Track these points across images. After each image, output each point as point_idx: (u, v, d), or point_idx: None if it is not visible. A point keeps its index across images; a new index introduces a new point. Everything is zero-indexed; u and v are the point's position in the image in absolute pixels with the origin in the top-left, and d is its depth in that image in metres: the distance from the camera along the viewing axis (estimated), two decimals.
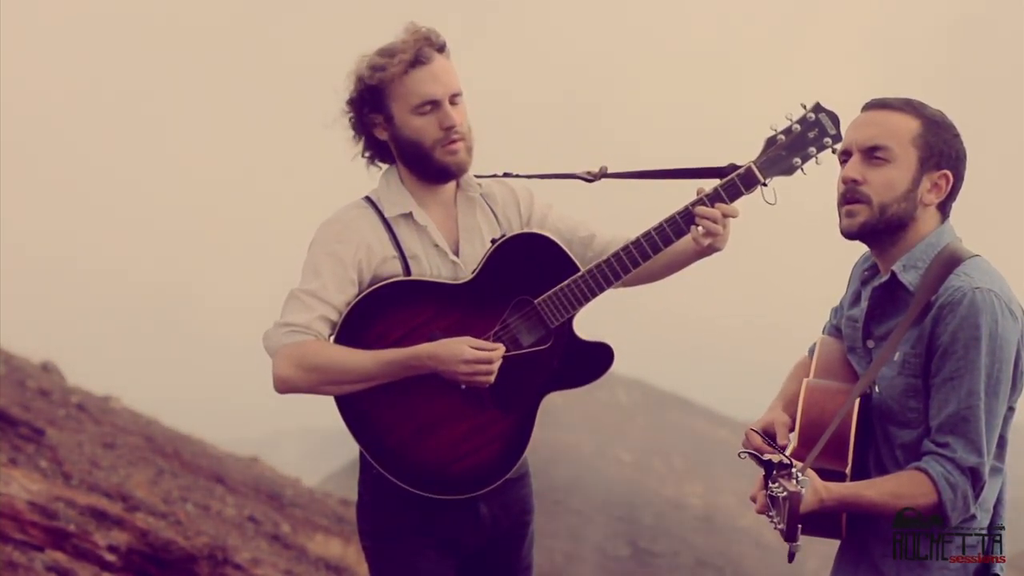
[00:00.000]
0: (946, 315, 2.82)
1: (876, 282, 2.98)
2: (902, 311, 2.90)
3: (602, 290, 3.39)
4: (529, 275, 3.40)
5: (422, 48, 3.37)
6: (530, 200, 3.58)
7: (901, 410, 2.89)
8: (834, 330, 3.14)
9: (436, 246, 3.44)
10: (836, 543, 3.01)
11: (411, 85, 3.35)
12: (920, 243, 2.91)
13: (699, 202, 3.34)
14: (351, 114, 3.45)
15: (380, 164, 3.51)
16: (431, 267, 3.43)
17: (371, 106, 3.41)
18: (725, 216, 3.35)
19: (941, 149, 2.89)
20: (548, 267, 3.40)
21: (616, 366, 3.55)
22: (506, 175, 3.56)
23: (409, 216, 3.44)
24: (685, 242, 3.40)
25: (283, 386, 3.38)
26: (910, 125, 2.90)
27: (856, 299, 3.04)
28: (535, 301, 3.39)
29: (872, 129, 2.92)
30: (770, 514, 2.68)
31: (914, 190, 2.89)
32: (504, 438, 3.43)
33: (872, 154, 2.91)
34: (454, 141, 3.39)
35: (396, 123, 3.40)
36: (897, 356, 2.89)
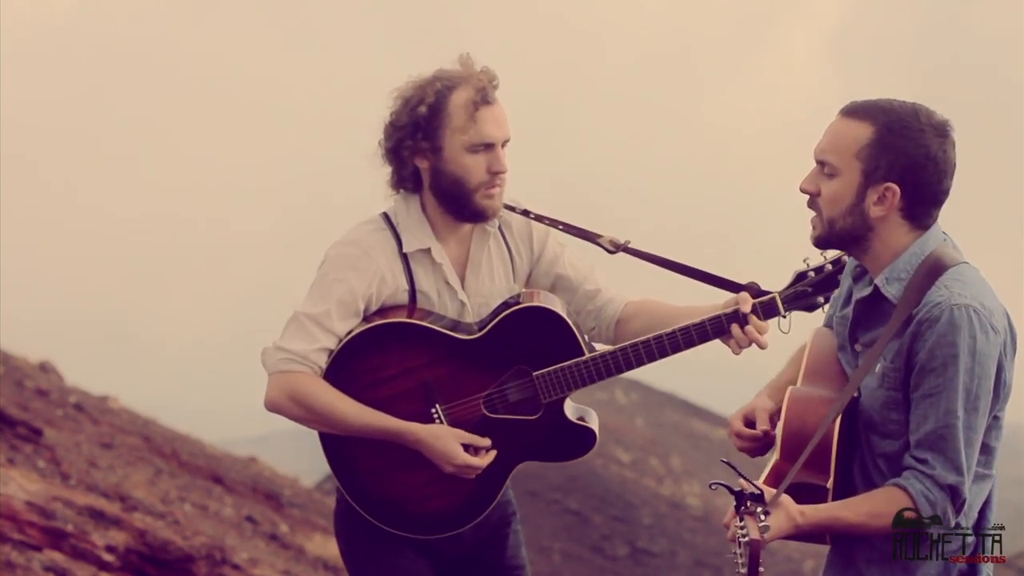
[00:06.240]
0: (924, 331, 2.79)
1: (860, 293, 2.95)
2: (886, 321, 2.87)
3: (600, 379, 3.39)
4: (534, 346, 3.38)
5: (488, 87, 3.32)
6: (544, 237, 3.54)
7: (883, 421, 2.88)
8: (832, 321, 3.13)
9: (447, 283, 3.42)
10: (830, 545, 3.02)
11: (474, 123, 3.30)
12: (903, 254, 2.87)
13: (715, 321, 3.31)
14: (393, 137, 3.37)
15: (404, 190, 3.43)
16: (439, 304, 3.41)
17: (424, 132, 3.33)
18: (739, 343, 3.32)
19: (890, 159, 2.80)
20: (554, 343, 3.38)
21: None
22: (525, 212, 3.51)
23: (426, 251, 3.40)
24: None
25: (272, 409, 3.39)
26: (859, 135, 2.82)
27: (848, 297, 3.02)
28: (534, 374, 3.38)
29: (824, 140, 2.88)
30: (734, 552, 2.68)
31: (859, 204, 2.84)
32: (468, 493, 3.42)
33: (822, 167, 2.88)
34: (496, 185, 3.35)
35: (444, 156, 3.33)
36: (878, 368, 2.87)
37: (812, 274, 3.28)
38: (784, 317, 3.32)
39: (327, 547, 11.68)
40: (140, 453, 11.91)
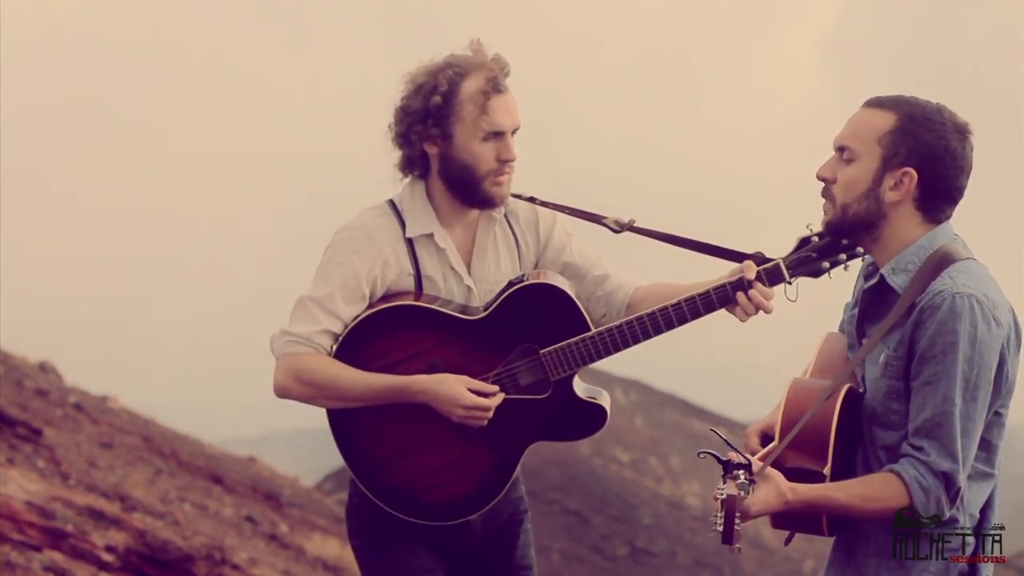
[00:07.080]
0: (926, 319, 2.80)
1: (868, 284, 2.97)
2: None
3: (608, 354, 3.37)
4: (540, 324, 3.37)
5: (499, 75, 3.33)
6: (551, 225, 3.55)
7: (884, 412, 2.89)
8: (844, 326, 3.13)
9: (452, 268, 3.42)
10: (832, 542, 3.02)
11: (485, 111, 3.31)
12: (911, 245, 2.89)
13: (720, 289, 3.29)
14: (404, 122, 3.38)
15: (412, 173, 3.45)
16: (445, 289, 3.42)
17: (435, 119, 3.34)
18: (745, 310, 3.29)
19: (910, 146, 2.84)
20: (560, 320, 3.37)
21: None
22: (532, 199, 3.51)
23: (430, 236, 3.41)
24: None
25: (280, 392, 3.40)
26: (881, 123, 2.87)
27: (858, 300, 3.04)
28: (541, 352, 3.37)
29: (845, 128, 2.92)
30: (713, 515, 2.69)
31: (875, 189, 2.87)
32: (480, 477, 3.42)
33: (841, 153, 2.91)
34: (505, 173, 3.36)
35: (454, 143, 3.35)
36: (881, 358, 2.88)
37: (816, 239, 3.27)
38: (790, 283, 3.29)
39: (326, 547, 11.69)
40: (140, 453, 11.92)
